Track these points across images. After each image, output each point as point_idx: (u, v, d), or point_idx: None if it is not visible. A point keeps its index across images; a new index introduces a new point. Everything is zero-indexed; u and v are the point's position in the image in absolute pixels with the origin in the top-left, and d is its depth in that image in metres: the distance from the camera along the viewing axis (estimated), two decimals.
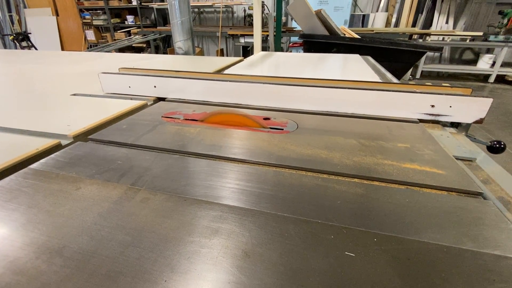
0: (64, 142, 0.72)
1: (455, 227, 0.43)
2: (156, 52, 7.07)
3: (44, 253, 0.38)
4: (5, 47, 7.65)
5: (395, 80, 1.40)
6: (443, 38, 6.03)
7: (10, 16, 7.85)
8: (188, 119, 0.89)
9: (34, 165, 0.60)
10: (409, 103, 0.87)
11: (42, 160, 0.63)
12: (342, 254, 0.38)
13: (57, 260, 0.37)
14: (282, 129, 0.81)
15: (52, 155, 0.65)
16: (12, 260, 0.37)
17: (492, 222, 0.44)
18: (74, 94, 1.15)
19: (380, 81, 1.30)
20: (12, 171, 0.58)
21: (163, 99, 1.11)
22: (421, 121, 0.87)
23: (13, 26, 7.88)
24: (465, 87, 0.92)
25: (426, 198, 0.50)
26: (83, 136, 0.76)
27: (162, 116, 0.91)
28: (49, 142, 0.69)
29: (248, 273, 0.35)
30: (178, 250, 0.39)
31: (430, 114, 0.86)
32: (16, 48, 6.43)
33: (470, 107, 0.82)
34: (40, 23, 7.79)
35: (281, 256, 0.38)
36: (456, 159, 0.68)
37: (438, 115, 0.86)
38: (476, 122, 0.84)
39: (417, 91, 0.89)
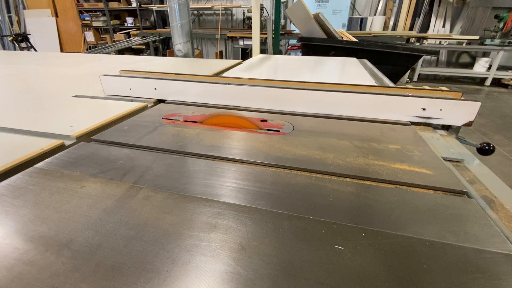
0: (67, 142, 0.75)
1: (439, 223, 0.46)
2: (155, 54, 7.11)
3: (52, 246, 0.41)
4: (4, 48, 7.66)
5: (390, 83, 1.43)
6: (440, 42, 6.11)
7: (10, 17, 7.87)
8: (187, 121, 0.92)
9: (39, 164, 0.63)
10: (401, 106, 0.90)
11: (47, 160, 0.65)
12: (332, 247, 0.41)
13: (65, 252, 0.40)
14: (279, 131, 0.84)
15: (57, 155, 0.67)
16: (23, 252, 0.40)
17: (473, 219, 0.47)
18: (76, 96, 1.17)
19: (375, 84, 1.34)
20: (19, 170, 0.61)
21: (163, 101, 1.14)
22: (412, 123, 0.91)
23: (12, 27, 7.90)
24: (461, 91, 0.95)
25: (413, 196, 0.53)
26: (86, 137, 0.79)
27: (162, 118, 0.93)
28: (53, 143, 0.71)
29: (244, 264, 0.38)
30: (178, 243, 0.41)
31: (421, 117, 0.90)
32: (15, 49, 6.45)
33: (460, 110, 0.85)
34: (40, 24, 7.81)
35: (275, 249, 0.41)
36: (445, 160, 0.71)
37: (429, 118, 0.89)
38: (466, 124, 0.87)
39: (409, 94, 0.92)
